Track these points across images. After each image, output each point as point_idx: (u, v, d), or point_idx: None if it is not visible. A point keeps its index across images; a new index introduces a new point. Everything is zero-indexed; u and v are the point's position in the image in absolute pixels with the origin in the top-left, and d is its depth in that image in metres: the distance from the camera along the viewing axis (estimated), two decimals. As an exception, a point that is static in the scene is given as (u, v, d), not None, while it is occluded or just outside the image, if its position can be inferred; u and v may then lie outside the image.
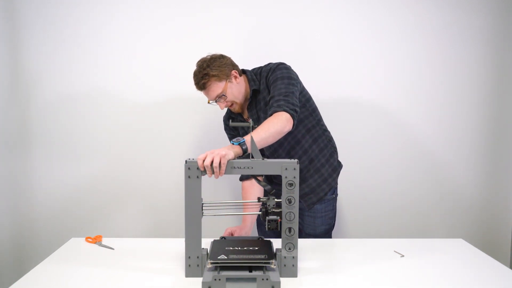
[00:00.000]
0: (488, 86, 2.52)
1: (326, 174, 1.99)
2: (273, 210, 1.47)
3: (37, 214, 2.53)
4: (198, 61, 1.89)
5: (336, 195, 2.08)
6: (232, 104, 1.92)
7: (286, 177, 1.45)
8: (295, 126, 1.76)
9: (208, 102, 1.93)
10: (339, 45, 2.47)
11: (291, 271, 1.47)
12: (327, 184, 1.99)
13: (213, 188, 2.51)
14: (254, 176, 1.81)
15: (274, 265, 1.41)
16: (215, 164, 1.42)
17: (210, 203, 1.57)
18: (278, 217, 1.46)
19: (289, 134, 1.82)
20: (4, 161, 2.45)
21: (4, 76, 2.41)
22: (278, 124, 1.65)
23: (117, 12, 2.43)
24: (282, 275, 1.44)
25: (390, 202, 2.58)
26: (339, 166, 2.07)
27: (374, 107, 2.51)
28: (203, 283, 1.35)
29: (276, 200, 1.50)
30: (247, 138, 1.55)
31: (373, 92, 2.50)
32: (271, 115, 1.71)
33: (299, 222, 2.02)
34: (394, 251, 1.71)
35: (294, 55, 2.45)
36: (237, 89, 1.90)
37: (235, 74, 1.88)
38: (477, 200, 2.59)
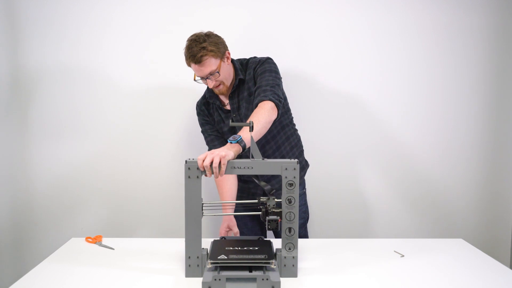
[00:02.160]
0: (488, 86, 2.52)
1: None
2: (273, 210, 1.47)
3: (37, 214, 2.53)
4: (192, 35, 1.84)
5: (305, 189, 2.14)
6: (219, 85, 1.90)
7: (286, 177, 1.45)
8: (279, 115, 1.78)
9: (194, 79, 1.90)
10: (338, 45, 2.47)
11: (291, 271, 1.47)
12: None
13: (213, 188, 2.51)
14: (255, 176, 1.80)
15: (274, 265, 1.41)
16: (215, 164, 1.42)
17: (210, 203, 1.57)
18: (278, 217, 1.46)
19: (273, 132, 1.90)
20: (4, 161, 2.45)
21: (4, 77, 2.42)
22: (266, 114, 1.68)
23: (117, 11, 2.42)
24: (282, 275, 1.44)
25: (390, 202, 2.57)
26: (306, 165, 2.14)
27: (374, 107, 2.51)
28: (203, 283, 1.35)
29: (276, 200, 1.50)
30: (243, 135, 1.55)
31: (372, 92, 2.50)
32: (256, 104, 1.75)
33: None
34: (394, 251, 1.71)
35: (292, 51, 2.45)
36: (227, 70, 1.90)
37: (228, 55, 1.90)
38: (477, 200, 2.59)
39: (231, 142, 1.53)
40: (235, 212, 1.97)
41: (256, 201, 1.56)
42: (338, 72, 2.49)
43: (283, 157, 2.00)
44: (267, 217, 1.46)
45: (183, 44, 2.41)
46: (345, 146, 2.53)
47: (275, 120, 1.77)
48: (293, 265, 1.47)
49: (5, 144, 2.45)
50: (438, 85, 2.51)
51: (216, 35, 1.87)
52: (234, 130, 1.95)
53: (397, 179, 2.57)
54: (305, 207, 2.14)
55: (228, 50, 1.90)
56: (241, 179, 2.11)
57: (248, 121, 1.56)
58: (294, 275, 1.47)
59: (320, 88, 2.49)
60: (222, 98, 2.01)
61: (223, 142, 2.03)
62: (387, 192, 2.57)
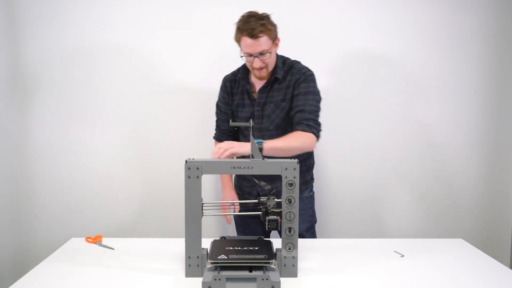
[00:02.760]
0: (488, 86, 2.52)
1: (305, 172, 2.02)
2: (273, 210, 1.47)
3: (37, 214, 2.53)
4: (249, 12, 1.80)
5: (313, 193, 2.11)
6: (263, 68, 1.84)
7: (286, 177, 1.45)
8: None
9: (241, 56, 1.84)
10: (338, 45, 2.47)
11: (291, 271, 1.47)
12: (304, 181, 2.02)
13: (213, 188, 2.51)
14: (254, 176, 1.81)
15: (274, 265, 1.41)
16: (222, 157, 1.53)
17: (210, 203, 1.57)
18: (278, 217, 1.46)
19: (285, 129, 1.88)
20: (4, 162, 2.45)
21: (4, 76, 2.42)
22: (301, 142, 1.75)
23: (117, 11, 2.42)
24: (282, 275, 1.44)
25: (390, 202, 2.58)
26: (312, 166, 2.12)
27: (372, 106, 2.51)
28: (203, 283, 1.35)
29: (276, 200, 1.50)
30: (266, 145, 1.61)
31: (372, 91, 2.50)
32: (297, 129, 1.78)
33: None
34: (394, 251, 1.71)
35: (291, 51, 2.45)
36: (274, 57, 1.87)
37: (278, 43, 1.87)
38: (477, 200, 2.59)
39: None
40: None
41: (256, 201, 1.56)
42: (339, 72, 2.49)
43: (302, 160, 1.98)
44: (267, 217, 1.46)
45: (184, 43, 2.44)
46: (345, 147, 2.53)
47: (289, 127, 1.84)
48: (293, 265, 1.47)
49: (5, 144, 2.45)
50: (437, 85, 2.51)
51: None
52: (252, 117, 1.91)
53: (397, 179, 2.56)
54: (312, 211, 2.10)
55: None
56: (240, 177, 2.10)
57: (282, 139, 1.70)
58: (294, 275, 1.47)
59: (321, 88, 2.49)
60: (255, 83, 1.95)
61: (231, 128, 2.03)
62: (387, 192, 2.57)
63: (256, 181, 1.75)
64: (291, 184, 1.45)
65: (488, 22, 2.46)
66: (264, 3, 2.42)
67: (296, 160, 1.47)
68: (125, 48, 2.45)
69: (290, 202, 1.45)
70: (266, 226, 1.45)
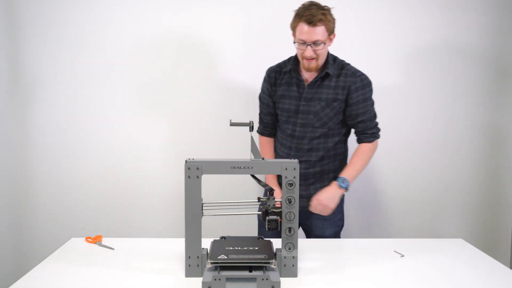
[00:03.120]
0: (488, 86, 2.52)
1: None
2: (273, 210, 1.47)
3: (37, 214, 2.53)
4: (312, 1, 1.80)
5: (343, 196, 2.07)
6: (313, 59, 1.81)
7: (286, 177, 1.45)
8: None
9: (295, 42, 1.82)
10: (338, 45, 2.47)
11: (291, 271, 1.47)
12: None
13: (213, 188, 2.51)
14: (254, 176, 1.80)
15: (274, 265, 1.41)
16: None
17: (210, 203, 1.57)
18: (278, 217, 1.46)
19: (331, 135, 1.93)
20: (4, 162, 2.45)
21: (4, 76, 2.42)
22: (371, 156, 1.95)
23: (117, 11, 2.42)
24: (282, 275, 1.44)
25: (390, 202, 2.58)
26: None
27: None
28: (203, 283, 1.35)
29: (276, 200, 1.50)
30: (348, 175, 1.86)
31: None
32: (366, 141, 1.93)
33: (307, 224, 2.03)
34: (394, 251, 1.71)
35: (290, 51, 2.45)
36: (325, 51, 1.85)
37: (332, 38, 1.85)
38: (477, 200, 2.59)
39: (340, 186, 1.84)
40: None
41: (256, 200, 1.56)
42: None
43: (340, 163, 2.00)
44: (267, 217, 1.46)
45: (184, 44, 2.44)
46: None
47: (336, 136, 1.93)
48: (293, 265, 1.47)
49: (5, 144, 2.45)
50: (437, 85, 2.51)
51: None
52: (295, 111, 1.91)
53: (397, 179, 2.56)
54: (341, 215, 2.07)
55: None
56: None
57: (357, 163, 1.89)
58: (294, 275, 1.47)
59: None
60: (305, 76, 1.92)
61: (273, 121, 2.04)
62: (387, 192, 2.57)
63: (256, 181, 1.74)
64: (291, 184, 1.45)
65: (488, 22, 2.46)
66: (264, 3, 2.43)
67: (296, 160, 1.47)
68: (125, 48, 2.45)
69: (290, 202, 1.45)
70: (266, 226, 1.45)
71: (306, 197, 1.94)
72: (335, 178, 1.93)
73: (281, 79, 1.97)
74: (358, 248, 1.76)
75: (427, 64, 2.49)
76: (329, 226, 1.99)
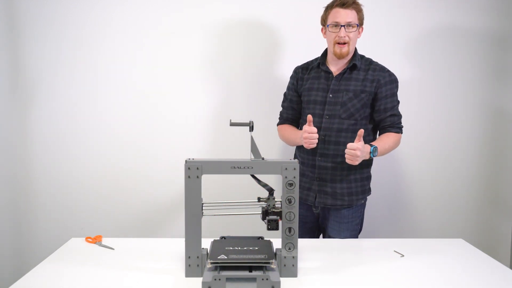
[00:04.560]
0: (488, 86, 2.52)
1: (364, 178, 2.02)
2: (273, 210, 1.47)
3: (37, 214, 2.53)
4: None
5: (366, 200, 2.07)
6: (345, 44, 1.87)
7: (286, 177, 1.45)
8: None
9: (327, 27, 1.91)
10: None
11: (291, 271, 1.47)
12: (363, 191, 2.01)
13: (213, 188, 2.51)
14: (254, 176, 1.80)
15: (274, 265, 1.41)
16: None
17: (210, 203, 1.57)
18: (278, 217, 1.46)
19: (359, 129, 1.88)
20: (4, 162, 2.45)
21: (4, 76, 2.42)
22: (396, 144, 1.94)
23: (118, 11, 2.43)
24: (282, 275, 1.44)
25: (390, 202, 2.58)
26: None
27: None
28: (203, 283, 1.35)
29: (276, 200, 1.50)
30: (379, 149, 1.83)
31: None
32: (393, 131, 1.94)
33: (324, 223, 2.02)
34: (394, 251, 1.71)
35: (289, 51, 2.45)
36: (356, 38, 1.91)
37: (361, 31, 1.94)
38: (477, 200, 2.59)
39: (370, 153, 1.80)
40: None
41: (256, 201, 1.56)
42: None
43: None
44: (267, 217, 1.46)
45: (184, 44, 2.44)
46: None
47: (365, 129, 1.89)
48: (293, 265, 1.47)
49: (5, 144, 2.45)
50: (437, 85, 2.51)
51: None
52: (322, 102, 1.93)
53: (397, 179, 2.56)
54: (360, 219, 2.03)
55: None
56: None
57: (386, 142, 1.87)
58: (294, 275, 1.47)
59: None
60: (333, 67, 1.96)
61: (294, 116, 2.07)
62: (387, 192, 2.57)
63: (256, 181, 1.74)
64: (291, 184, 1.45)
65: (486, 22, 2.46)
66: (263, 3, 2.43)
67: (296, 160, 1.47)
68: (125, 48, 2.45)
69: (290, 202, 1.45)
70: (266, 226, 1.45)
71: (330, 195, 1.95)
72: (361, 179, 1.98)
73: (308, 74, 2.02)
74: (358, 248, 1.76)
75: (432, 64, 2.49)
76: (345, 229, 1.97)
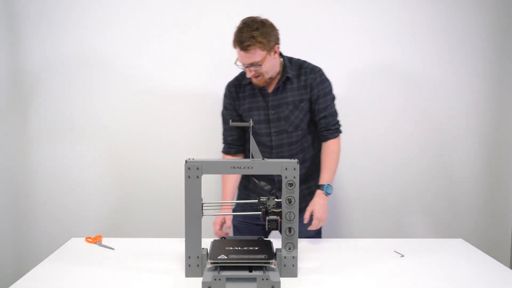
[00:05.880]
0: (487, 86, 2.52)
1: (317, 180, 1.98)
2: (273, 210, 1.47)
3: (37, 214, 2.53)
4: (247, 19, 1.78)
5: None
6: (258, 76, 1.81)
7: (286, 177, 1.45)
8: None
9: (235, 63, 1.83)
10: (336, 44, 2.47)
11: (291, 271, 1.47)
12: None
13: (213, 188, 2.51)
14: (254, 176, 1.81)
15: (274, 265, 1.41)
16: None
17: (210, 203, 1.57)
18: (278, 217, 1.46)
19: (307, 136, 1.94)
20: (4, 162, 2.45)
21: (4, 76, 2.42)
22: (339, 152, 1.93)
23: (119, 10, 2.42)
24: (282, 275, 1.44)
25: (390, 202, 2.57)
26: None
27: (372, 105, 2.51)
28: (203, 283, 1.35)
29: (276, 200, 1.50)
30: (328, 178, 1.83)
31: (372, 92, 2.49)
32: (331, 137, 1.91)
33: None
34: (394, 251, 1.71)
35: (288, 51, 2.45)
36: (271, 64, 1.82)
37: (277, 49, 1.82)
38: (477, 200, 2.59)
39: (327, 194, 1.80)
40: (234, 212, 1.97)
41: (256, 201, 1.56)
42: (337, 72, 2.48)
43: (315, 164, 1.98)
44: (267, 217, 1.46)
45: (185, 44, 2.44)
46: (342, 145, 2.53)
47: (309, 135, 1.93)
48: (293, 265, 1.47)
49: (5, 143, 2.45)
50: (437, 84, 2.51)
51: (272, 25, 1.79)
52: (266, 121, 1.90)
53: (397, 179, 2.56)
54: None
55: (279, 44, 1.82)
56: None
57: (331, 164, 1.85)
58: (294, 275, 1.47)
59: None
60: (266, 85, 1.90)
61: (239, 136, 1.98)
62: (387, 192, 2.57)
63: (256, 181, 1.75)
64: (291, 184, 1.45)
65: (486, 22, 2.46)
66: (268, 11, 2.43)
67: (296, 160, 1.47)
68: (125, 48, 2.44)
69: (290, 202, 1.45)
70: (266, 226, 1.45)
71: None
72: (318, 176, 1.92)
73: (243, 92, 1.93)
74: (358, 248, 1.76)
75: (429, 64, 2.49)
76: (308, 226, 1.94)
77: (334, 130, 1.91)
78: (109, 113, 2.49)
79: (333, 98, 1.94)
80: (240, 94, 1.94)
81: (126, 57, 2.45)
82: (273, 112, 1.89)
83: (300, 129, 1.90)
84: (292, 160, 1.47)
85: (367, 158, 2.54)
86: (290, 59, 1.93)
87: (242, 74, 1.94)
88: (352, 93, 2.49)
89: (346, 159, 2.53)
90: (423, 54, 2.48)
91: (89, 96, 2.47)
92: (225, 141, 2.03)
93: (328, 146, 1.91)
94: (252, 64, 1.76)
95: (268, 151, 1.92)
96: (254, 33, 1.72)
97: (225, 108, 1.99)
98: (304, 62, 1.93)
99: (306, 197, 1.93)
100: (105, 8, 2.41)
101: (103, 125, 2.49)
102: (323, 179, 1.84)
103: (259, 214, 1.52)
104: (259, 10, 2.42)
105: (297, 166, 1.45)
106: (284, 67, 1.88)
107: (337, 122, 1.95)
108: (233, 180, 1.95)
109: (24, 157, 2.50)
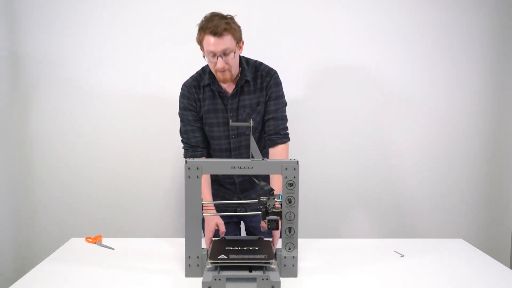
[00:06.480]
0: (488, 86, 2.52)
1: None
2: (273, 210, 1.47)
3: (37, 214, 2.54)
4: (213, 12, 1.75)
5: None
6: (225, 71, 1.76)
7: (286, 177, 1.45)
8: None
9: (203, 56, 1.77)
10: (336, 45, 2.47)
11: (291, 271, 1.47)
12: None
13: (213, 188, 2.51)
14: (255, 176, 1.80)
15: (274, 265, 1.41)
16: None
17: (210, 203, 1.57)
18: (278, 217, 1.46)
19: (260, 143, 1.92)
20: (4, 162, 2.46)
21: (4, 76, 2.42)
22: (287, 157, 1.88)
23: (118, 13, 2.43)
24: (282, 275, 1.44)
25: (390, 202, 2.58)
26: None
27: (372, 106, 2.51)
28: (203, 283, 1.35)
29: (276, 200, 1.50)
30: (278, 186, 1.71)
31: (371, 91, 2.50)
32: (280, 142, 1.86)
33: (254, 226, 2.00)
34: (394, 251, 1.71)
35: (287, 50, 2.45)
36: (237, 60, 1.80)
37: (242, 45, 1.81)
38: (477, 200, 2.59)
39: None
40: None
41: (256, 201, 1.56)
42: (335, 72, 2.48)
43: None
44: (267, 217, 1.46)
45: (185, 43, 2.43)
46: (342, 146, 2.54)
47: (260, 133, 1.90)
48: (293, 265, 1.47)
49: (5, 143, 2.45)
50: (437, 85, 2.51)
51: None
52: (224, 123, 1.87)
53: (397, 179, 2.56)
54: None
55: (243, 40, 1.81)
56: (218, 183, 2.01)
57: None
58: (294, 275, 1.47)
59: (318, 88, 2.50)
60: (225, 86, 1.87)
61: (204, 137, 1.92)
62: (387, 192, 2.57)
63: (256, 181, 1.75)
64: (291, 184, 1.45)
65: (486, 22, 2.46)
66: (262, 3, 2.43)
67: (297, 160, 1.47)
68: (125, 47, 2.45)
69: (290, 202, 1.45)
70: (266, 226, 1.45)
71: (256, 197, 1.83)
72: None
73: (203, 94, 1.88)
74: (358, 248, 1.76)
75: (428, 64, 2.50)
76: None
77: (283, 135, 1.88)
78: (109, 113, 2.49)
79: (285, 103, 1.91)
80: (200, 96, 1.89)
81: (127, 57, 2.45)
82: (231, 115, 1.87)
83: (257, 131, 1.91)
84: (292, 160, 1.47)
85: (367, 158, 2.54)
86: (247, 60, 1.90)
87: (200, 75, 1.91)
88: (354, 93, 2.50)
89: (347, 159, 2.55)
90: (423, 54, 2.48)
91: (89, 96, 2.47)
92: (188, 143, 1.93)
93: (278, 152, 1.86)
94: (224, 53, 1.71)
95: (227, 154, 1.91)
96: (227, 20, 1.71)
97: (185, 108, 1.90)
98: (261, 64, 1.91)
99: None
100: (107, 7, 2.42)
101: (103, 125, 2.49)
102: (278, 189, 1.73)
103: (235, 215, 1.49)
104: (260, 8, 2.44)
105: (297, 166, 1.45)
106: (242, 69, 1.85)
107: (287, 128, 1.91)
108: (206, 178, 1.90)
109: (24, 157, 2.50)
